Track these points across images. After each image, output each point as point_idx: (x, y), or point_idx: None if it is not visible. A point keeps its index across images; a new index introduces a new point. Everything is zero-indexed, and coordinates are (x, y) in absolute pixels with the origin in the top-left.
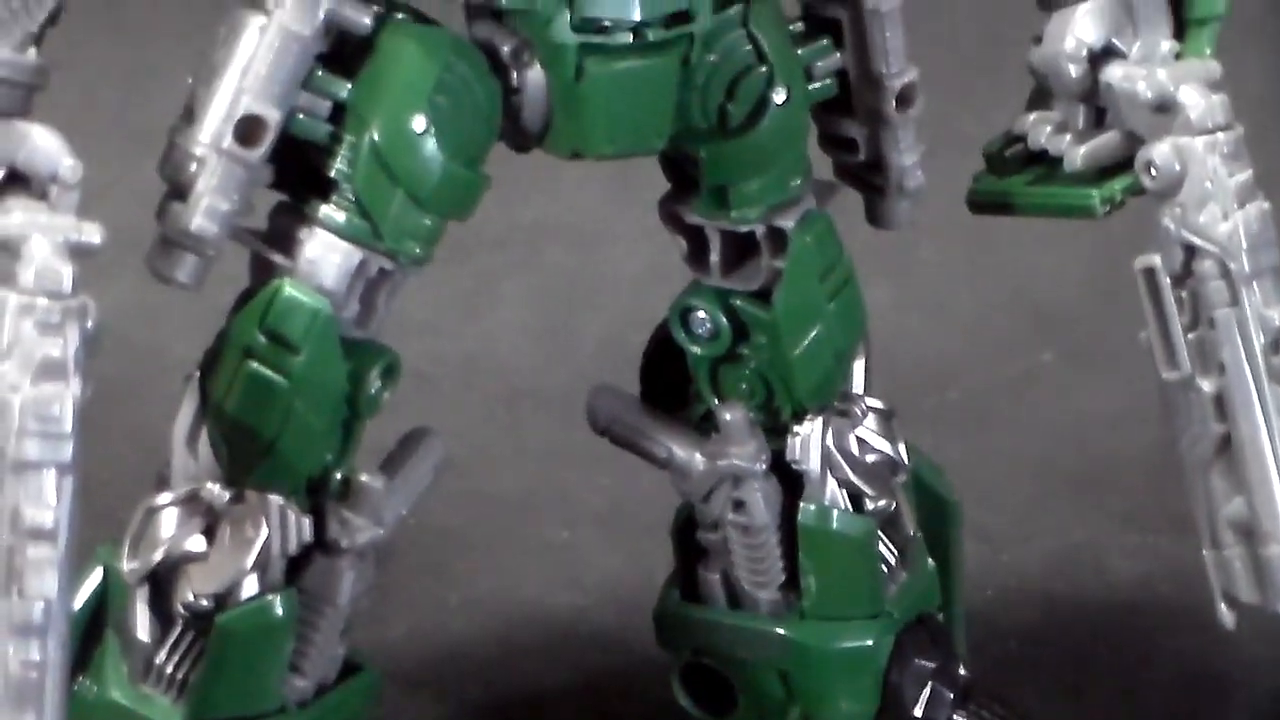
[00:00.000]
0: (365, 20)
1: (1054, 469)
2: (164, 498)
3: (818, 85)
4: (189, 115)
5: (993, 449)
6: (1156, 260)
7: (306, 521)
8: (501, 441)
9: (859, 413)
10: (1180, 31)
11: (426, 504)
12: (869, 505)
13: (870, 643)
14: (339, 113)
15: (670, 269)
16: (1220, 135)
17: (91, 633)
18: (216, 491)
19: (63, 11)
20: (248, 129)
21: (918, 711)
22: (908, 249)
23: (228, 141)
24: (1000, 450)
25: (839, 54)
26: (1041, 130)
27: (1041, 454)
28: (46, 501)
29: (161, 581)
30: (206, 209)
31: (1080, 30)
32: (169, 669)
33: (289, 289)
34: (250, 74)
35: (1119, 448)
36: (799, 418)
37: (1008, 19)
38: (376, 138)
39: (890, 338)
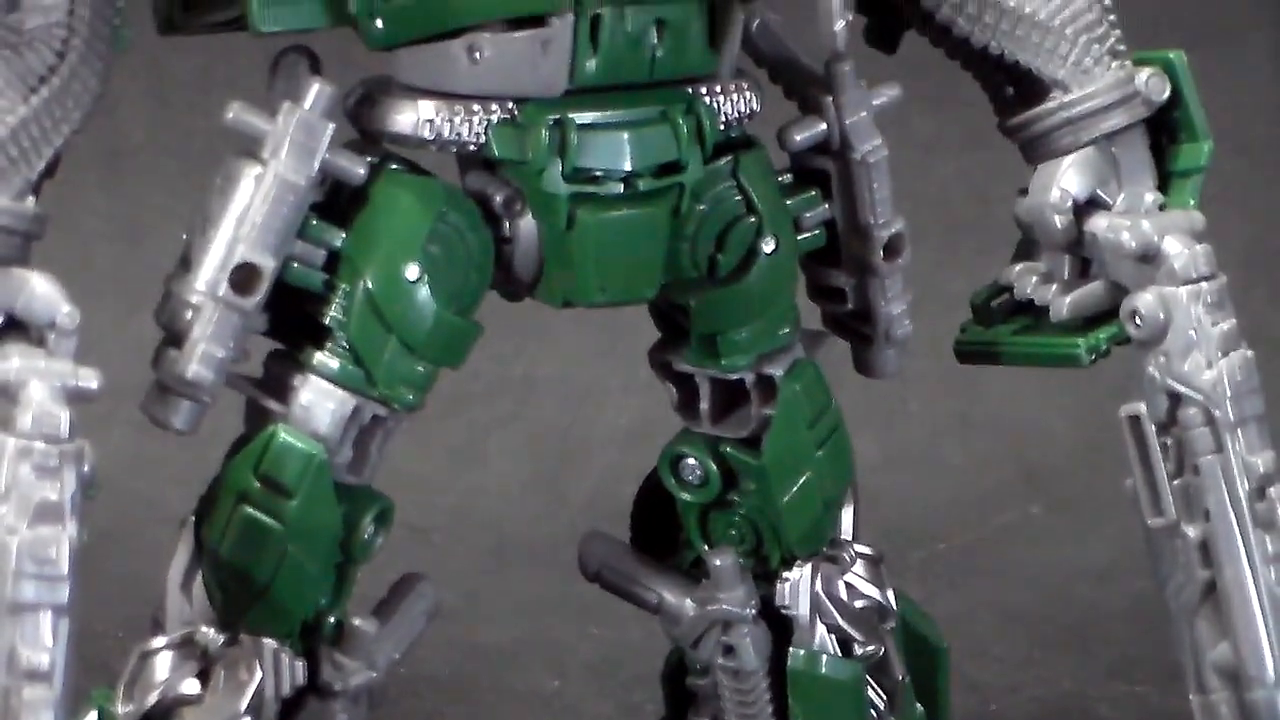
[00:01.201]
0: (359, 170)
1: (1042, 620)
2: (158, 641)
3: (806, 235)
4: (185, 263)
5: (981, 600)
6: (1141, 408)
7: (300, 664)
8: (492, 592)
9: (847, 559)
10: (1164, 183)
11: (418, 652)
12: (858, 650)
13: None
14: (333, 261)
15: (659, 423)
16: (1204, 285)
17: None
18: (211, 635)
19: (60, 163)
20: (243, 277)
21: None
22: (897, 401)
23: (223, 289)
24: (989, 601)
25: (827, 205)
26: (1027, 280)
27: (1029, 605)
28: (43, 643)
29: None
30: (202, 356)
31: (1065, 182)
32: None
33: (283, 435)
34: (246, 223)
35: (1106, 599)
36: (788, 563)
37: (994, 178)
38: (370, 286)
39: (880, 490)
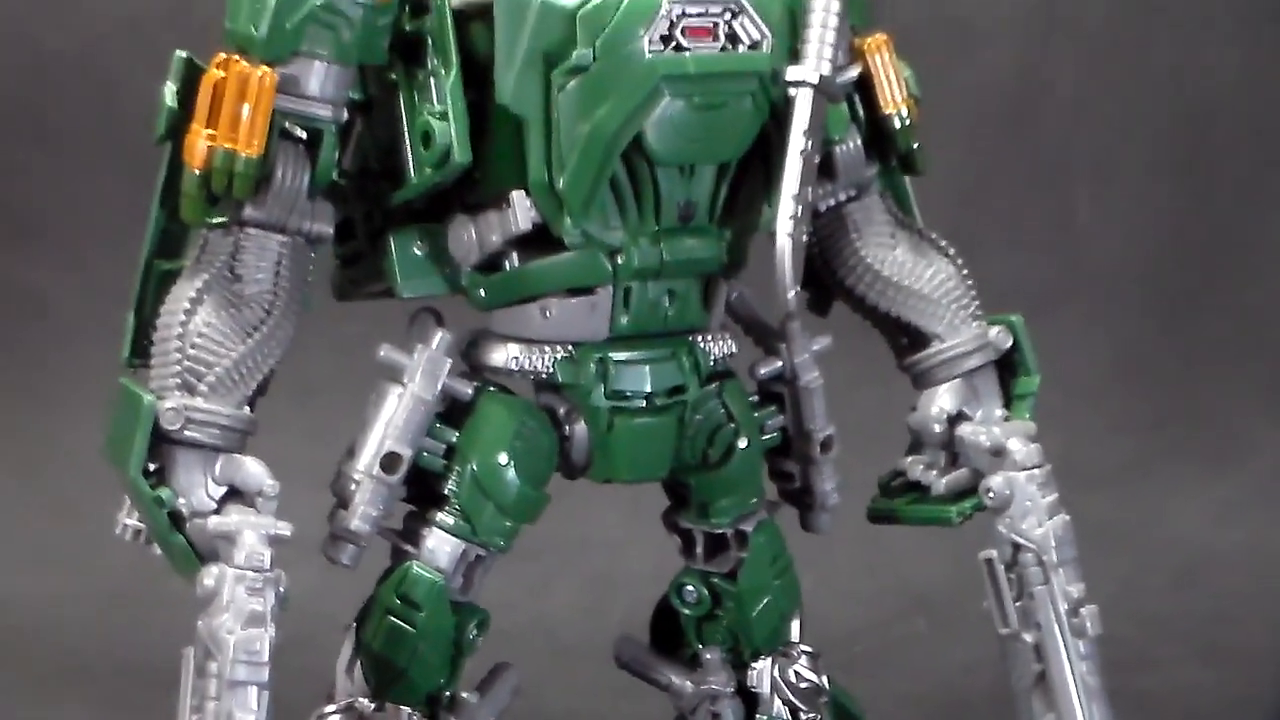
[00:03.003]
0: (468, 391)
1: (926, 700)
2: (330, 708)
3: (768, 436)
4: (351, 452)
5: (885, 687)
6: (994, 553)
7: None
8: (554, 678)
9: (796, 654)
10: (1009, 403)
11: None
12: (803, 718)
13: None
14: (450, 451)
15: (668, 567)
16: (1036, 470)
17: None
18: (366, 704)
19: (268, 386)
20: (389, 462)
21: None
22: (827, 550)
23: (376, 470)
24: (891, 688)
25: (782, 416)
26: (916, 468)
27: (919, 690)
28: (250, 707)
29: None
30: (362, 515)
31: (941, 402)
32: None
33: (416, 568)
34: (391, 425)
35: (972, 685)
36: (755, 657)
37: (894, 401)
38: (475, 468)
39: (816, 609)
